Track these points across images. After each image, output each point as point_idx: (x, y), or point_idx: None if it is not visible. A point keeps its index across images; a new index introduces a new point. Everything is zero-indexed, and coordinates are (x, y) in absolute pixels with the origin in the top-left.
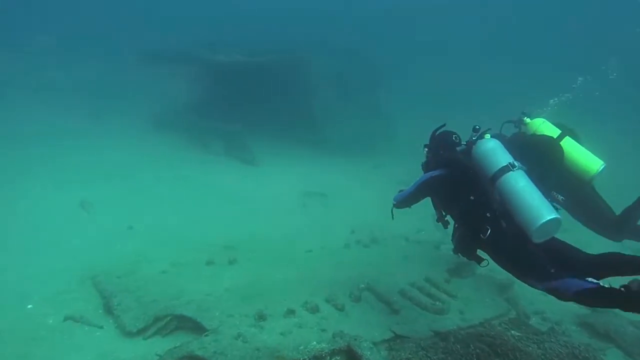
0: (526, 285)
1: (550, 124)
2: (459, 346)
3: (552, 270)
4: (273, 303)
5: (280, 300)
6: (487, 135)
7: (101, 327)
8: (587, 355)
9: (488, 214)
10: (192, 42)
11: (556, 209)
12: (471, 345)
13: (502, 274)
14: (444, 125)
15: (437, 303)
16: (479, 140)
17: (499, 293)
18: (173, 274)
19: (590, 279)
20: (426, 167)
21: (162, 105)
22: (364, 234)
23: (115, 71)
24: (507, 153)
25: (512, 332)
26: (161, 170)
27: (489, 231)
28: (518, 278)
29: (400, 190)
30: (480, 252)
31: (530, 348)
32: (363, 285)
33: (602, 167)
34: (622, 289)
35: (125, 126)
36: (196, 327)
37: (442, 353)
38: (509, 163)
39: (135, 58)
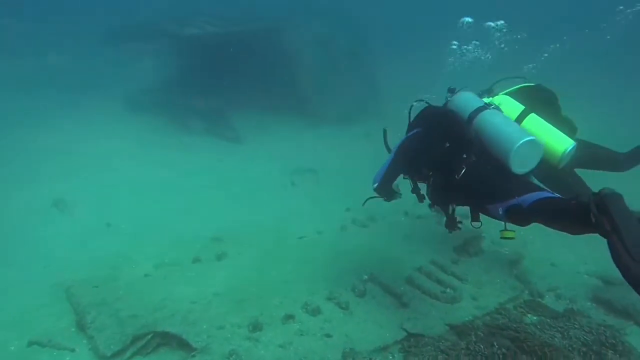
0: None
1: (511, 101)
2: (482, 346)
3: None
4: (269, 307)
5: (276, 303)
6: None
7: (72, 350)
8: (613, 341)
9: (464, 155)
10: (158, 16)
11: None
12: (495, 344)
13: (509, 248)
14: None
15: (448, 290)
16: (454, 95)
17: (509, 271)
18: (156, 278)
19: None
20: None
21: (134, 86)
22: (360, 211)
23: (80, 53)
24: (483, 101)
25: (529, 315)
26: (138, 157)
27: (464, 170)
28: (484, 211)
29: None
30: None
31: (556, 339)
32: (366, 277)
33: (570, 148)
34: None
35: (96, 111)
36: (182, 343)
37: (465, 355)
38: (486, 103)
39: (100, 38)
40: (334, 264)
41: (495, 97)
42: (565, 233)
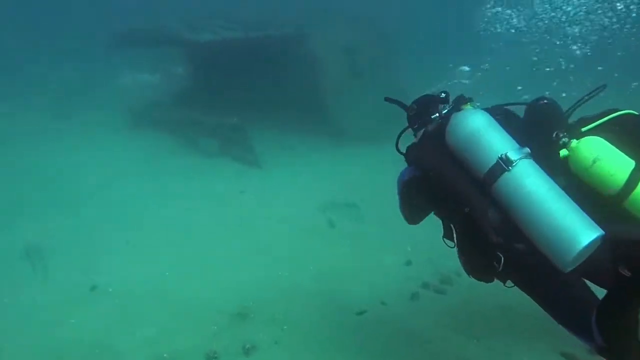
0: None
1: (611, 149)
2: None
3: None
4: None
5: None
6: (468, 106)
7: None
8: None
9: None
10: (169, 19)
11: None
12: None
13: None
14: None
15: None
16: (453, 114)
17: None
18: None
19: None
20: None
21: (138, 99)
22: (424, 266)
23: (81, 60)
24: (502, 133)
25: None
26: (138, 185)
27: (503, 260)
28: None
29: None
30: None
31: None
32: None
33: None
34: None
35: (92, 128)
36: None
37: None
38: (500, 158)
39: (104, 43)
40: None
41: (581, 141)
42: None
